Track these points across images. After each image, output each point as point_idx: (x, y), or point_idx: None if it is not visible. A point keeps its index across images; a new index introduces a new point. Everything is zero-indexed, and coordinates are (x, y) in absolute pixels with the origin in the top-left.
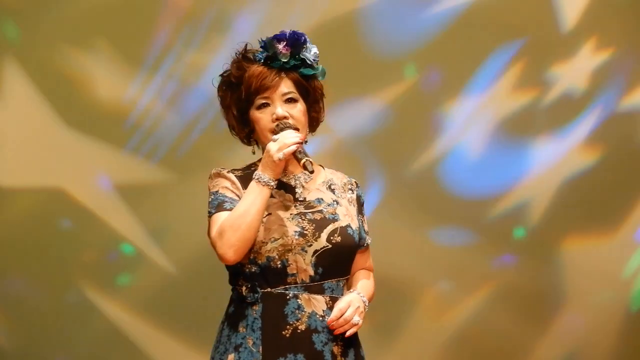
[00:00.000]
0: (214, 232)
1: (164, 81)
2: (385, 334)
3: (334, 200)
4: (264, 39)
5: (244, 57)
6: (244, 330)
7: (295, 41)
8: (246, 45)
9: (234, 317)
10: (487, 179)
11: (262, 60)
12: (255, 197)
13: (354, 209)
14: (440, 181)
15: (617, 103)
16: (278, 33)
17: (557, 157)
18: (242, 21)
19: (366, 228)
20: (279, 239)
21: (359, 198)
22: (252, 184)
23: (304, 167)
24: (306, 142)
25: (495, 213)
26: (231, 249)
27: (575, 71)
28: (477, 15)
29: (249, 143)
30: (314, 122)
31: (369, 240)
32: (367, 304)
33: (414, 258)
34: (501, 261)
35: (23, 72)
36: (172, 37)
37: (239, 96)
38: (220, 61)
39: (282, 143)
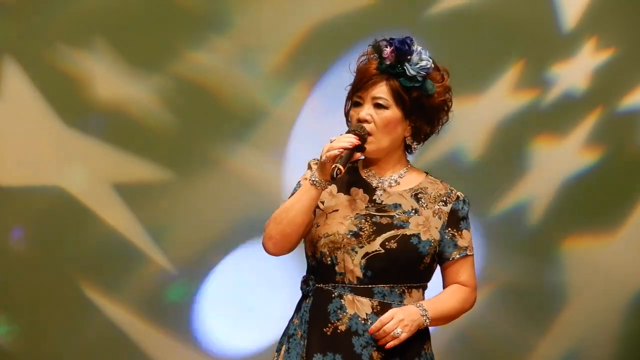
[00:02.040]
0: (267, 220)
1: (164, 81)
2: None
3: (413, 209)
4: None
5: (370, 51)
6: (297, 321)
7: (400, 50)
8: (379, 43)
9: (297, 306)
10: (487, 179)
11: (379, 60)
12: (302, 194)
13: (437, 222)
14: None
15: (617, 103)
16: (396, 37)
17: (557, 157)
18: (242, 21)
19: (462, 243)
20: (330, 235)
21: (454, 212)
22: (305, 181)
23: (331, 172)
24: (359, 149)
25: (494, 213)
26: (270, 240)
27: (575, 71)
28: (476, 15)
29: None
30: (415, 132)
31: (456, 255)
32: (427, 318)
33: None
34: (501, 261)
35: (23, 72)
36: (173, 36)
37: (351, 88)
38: (220, 61)
39: (332, 145)
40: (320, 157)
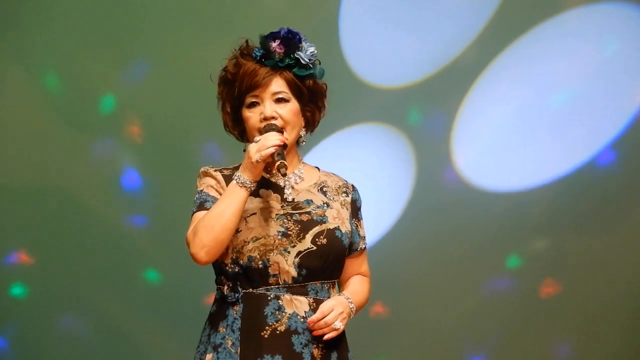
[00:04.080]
0: (190, 230)
1: (164, 81)
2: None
3: (324, 203)
4: (264, 34)
5: (241, 54)
6: (224, 330)
7: (290, 40)
8: (247, 41)
9: (215, 317)
10: (488, 178)
11: (258, 58)
12: (232, 198)
13: (346, 213)
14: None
15: (617, 103)
16: (275, 30)
17: (556, 157)
18: (243, 20)
19: (362, 233)
20: (260, 238)
21: (354, 202)
22: (231, 184)
23: (277, 170)
24: (286, 146)
25: (496, 211)
26: (203, 249)
27: (575, 71)
28: (476, 15)
29: (243, 140)
30: (309, 122)
31: (362, 245)
32: (353, 310)
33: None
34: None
35: (23, 72)
36: (173, 36)
37: (233, 94)
38: (220, 60)
39: (262, 144)
40: (250, 158)
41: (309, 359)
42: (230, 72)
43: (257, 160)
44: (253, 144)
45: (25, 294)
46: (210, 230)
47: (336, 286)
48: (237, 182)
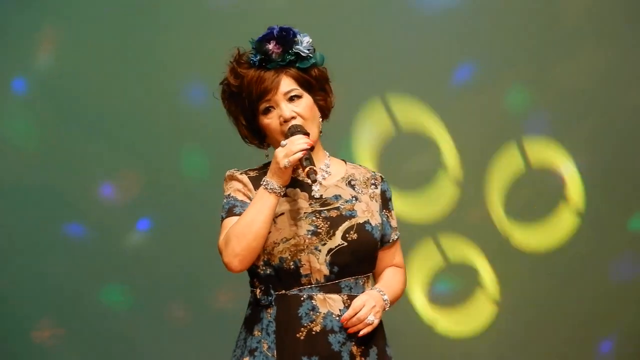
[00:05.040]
0: (221, 239)
1: (165, 81)
2: None
3: (352, 197)
4: (254, 38)
5: (238, 64)
6: (259, 333)
7: (284, 38)
8: (238, 50)
9: (250, 320)
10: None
11: (257, 63)
12: (262, 205)
13: (376, 205)
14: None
15: (617, 103)
16: (265, 32)
17: (556, 157)
18: (242, 20)
19: (393, 224)
20: (290, 239)
21: (383, 193)
22: (260, 190)
23: (307, 176)
24: (313, 148)
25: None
26: (236, 258)
27: (575, 71)
28: (476, 15)
29: (265, 148)
30: (323, 110)
31: (394, 236)
32: (387, 302)
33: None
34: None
35: (23, 72)
36: (173, 36)
37: (243, 105)
38: (220, 60)
39: (289, 149)
40: (278, 163)
41: (348, 357)
42: (233, 85)
43: (285, 166)
44: (280, 148)
45: None
46: (242, 238)
47: (371, 280)
48: (267, 189)
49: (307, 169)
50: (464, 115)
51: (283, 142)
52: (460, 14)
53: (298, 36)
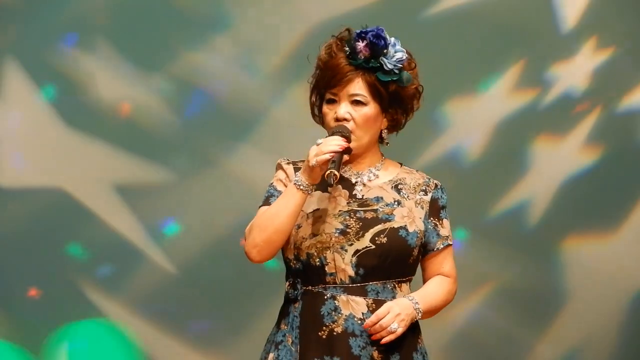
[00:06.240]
0: (248, 226)
1: (164, 81)
2: None
3: (395, 200)
4: (355, 30)
5: (335, 43)
6: (285, 327)
7: (375, 45)
8: (347, 30)
9: (281, 313)
10: (486, 179)
11: (348, 53)
12: (287, 200)
13: (421, 212)
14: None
15: (617, 103)
16: (365, 29)
17: (556, 157)
18: (243, 19)
19: (443, 232)
20: (317, 235)
21: (434, 201)
22: (290, 185)
23: (326, 178)
24: (348, 152)
25: (494, 213)
26: (255, 248)
27: (575, 71)
28: (476, 15)
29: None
30: (392, 124)
31: (440, 245)
32: (419, 312)
33: None
34: (500, 261)
35: (23, 72)
36: (173, 36)
37: (318, 81)
38: (220, 61)
39: (320, 149)
40: (308, 161)
41: None
42: (321, 60)
43: (313, 165)
44: (314, 146)
45: None
46: (263, 230)
47: (406, 286)
48: (295, 184)
49: (327, 172)
50: None
51: (319, 141)
52: None
53: (390, 49)
